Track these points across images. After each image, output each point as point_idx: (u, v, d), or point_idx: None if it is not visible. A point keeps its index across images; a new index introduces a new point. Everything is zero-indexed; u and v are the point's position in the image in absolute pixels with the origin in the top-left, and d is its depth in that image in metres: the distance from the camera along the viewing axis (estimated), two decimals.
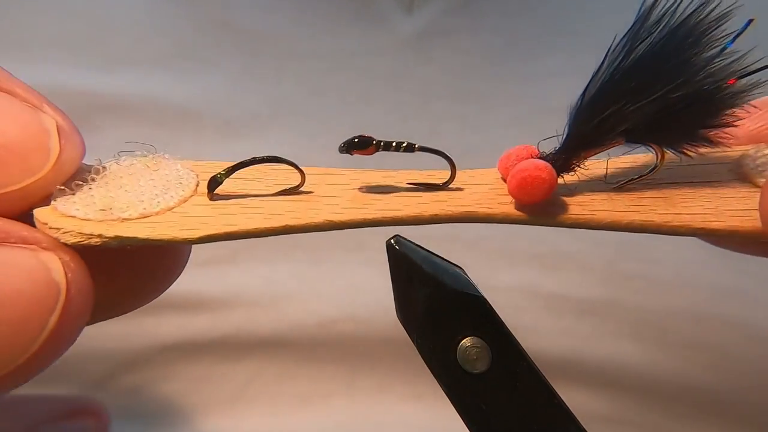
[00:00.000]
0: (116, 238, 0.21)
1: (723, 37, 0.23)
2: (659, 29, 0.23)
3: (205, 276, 0.50)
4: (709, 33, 0.23)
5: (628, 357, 0.49)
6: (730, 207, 0.24)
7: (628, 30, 0.23)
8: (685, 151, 0.25)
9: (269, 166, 0.26)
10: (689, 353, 0.49)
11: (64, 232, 0.21)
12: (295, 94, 0.56)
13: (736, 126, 0.24)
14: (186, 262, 0.27)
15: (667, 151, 0.25)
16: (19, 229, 0.20)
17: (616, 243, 0.51)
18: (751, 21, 0.22)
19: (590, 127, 0.24)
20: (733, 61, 0.23)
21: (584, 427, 0.26)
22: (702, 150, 0.25)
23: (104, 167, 0.24)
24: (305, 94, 0.56)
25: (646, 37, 0.23)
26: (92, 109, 0.53)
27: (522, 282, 0.50)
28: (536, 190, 0.24)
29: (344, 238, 0.51)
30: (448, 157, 0.25)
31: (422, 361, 0.40)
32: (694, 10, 0.23)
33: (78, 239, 0.21)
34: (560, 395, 0.25)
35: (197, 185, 0.24)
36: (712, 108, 0.24)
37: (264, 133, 0.54)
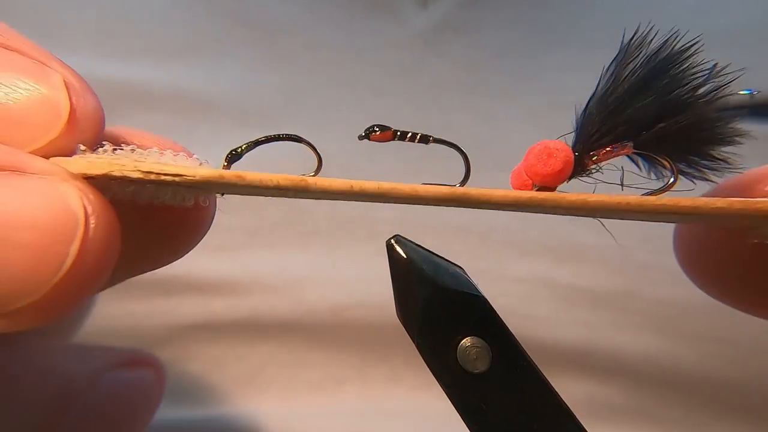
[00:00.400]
0: (122, 167, 0.21)
1: (696, 62, 0.24)
2: (641, 55, 0.24)
3: (221, 260, 0.50)
4: (683, 59, 0.24)
5: (645, 348, 0.48)
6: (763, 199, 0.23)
7: (615, 56, 0.25)
8: (696, 168, 0.25)
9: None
10: (707, 345, 0.48)
11: (68, 164, 0.20)
12: (309, 85, 0.57)
13: (735, 144, 0.24)
14: (212, 218, 0.27)
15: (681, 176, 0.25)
16: (39, 162, 0.20)
17: (631, 233, 0.50)
18: (715, 65, 0.24)
19: (594, 129, 0.25)
20: (709, 82, 0.24)
21: (585, 427, 0.26)
22: (712, 174, 0.25)
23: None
24: (319, 86, 0.57)
25: (630, 62, 0.24)
26: (114, 98, 0.54)
27: (536, 273, 0.50)
28: (553, 158, 0.23)
29: (357, 228, 0.52)
30: (462, 150, 0.25)
31: None
32: (665, 42, 0.24)
33: (85, 169, 0.20)
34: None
35: None
36: (703, 120, 0.24)
37: (278, 123, 0.55)
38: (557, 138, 0.25)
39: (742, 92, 0.24)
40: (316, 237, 0.52)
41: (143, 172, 0.21)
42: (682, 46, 0.24)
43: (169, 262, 0.27)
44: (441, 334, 0.26)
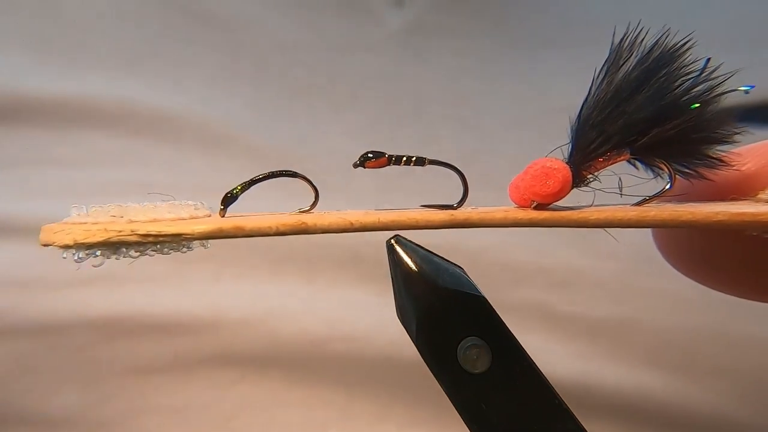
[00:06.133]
0: (119, 233, 0.21)
1: (689, 60, 0.24)
2: (632, 56, 0.24)
3: (185, 295, 0.44)
4: (676, 58, 0.24)
5: (647, 383, 0.43)
6: (763, 209, 0.23)
7: (606, 59, 0.25)
8: (694, 170, 0.25)
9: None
10: (715, 379, 0.43)
11: (67, 234, 0.20)
12: (278, 95, 0.51)
13: (732, 142, 0.24)
14: None
15: (679, 177, 0.25)
16: None
17: (629, 257, 0.45)
18: (709, 60, 0.24)
19: (590, 139, 0.24)
20: (701, 83, 0.24)
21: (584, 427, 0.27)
22: (709, 173, 0.25)
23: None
24: (289, 95, 0.51)
25: (623, 64, 0.24)
26: (58, 115, 0.48)
27: (529, 299, 0.45)
28: (551, 179, 0.23)
29: (338, 251, 0.46)
30: (460, 171, 0.24)
31: (422, 382, 0.40)
32: (657, 41, 0.24)
33: (83, 237, 0.20)
34: None
35: (210, 215, 0.24)
36: (699, 121, 0.24)
37: (246, 140, 0.49)
38: (553, 150, 0.25)
39: (741, 88, 0.24)
40: (292, 264, 0.46)
41: (141, 235, 0.21)
42: (673, 46, 0.24)
43: None
44: (441, 335, 0.26)
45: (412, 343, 0.27)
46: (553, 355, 0.44)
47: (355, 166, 0.24)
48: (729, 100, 0.24)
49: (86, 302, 0.43)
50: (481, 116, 0.52)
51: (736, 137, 0.24)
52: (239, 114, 0.50)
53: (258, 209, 0.25)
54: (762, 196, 0.25)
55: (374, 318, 0.45)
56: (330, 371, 0.44)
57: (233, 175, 0.42)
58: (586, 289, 0.45)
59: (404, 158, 0.24)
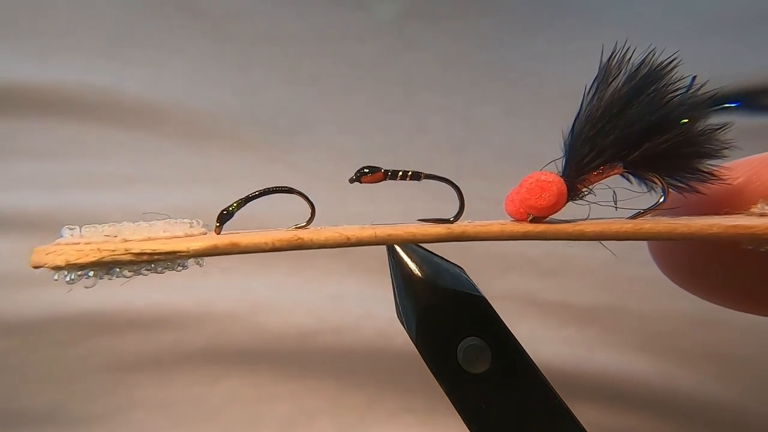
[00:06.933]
0: (113, 253, 0.20)
1: (676, 77, 0.24)
2: (621, 73, 0.25)
3: (168, 289, 0.43)
4: (663, 75, 0.24)
5: (635, 368, 0.43)
6: (757, 222, 0.23)
7: (596, 77, 0.25)
8: (686, 183, 0.25)
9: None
10: (701, 363, 0.43)
11: (59, 255, 0.20)
12: (267, 83, 0.50)
13: (722, 156, 0.24)
14: None
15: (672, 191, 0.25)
16: None
17: (615, 245, 0.48)
18: (695, 77, 0.24)
19: (583, 153, 0.24)
20: (688, 98, 0.24)
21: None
22: (702, 187, 0.25)
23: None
24: (279, 84, 0.50)
25: (612, 81, 0.24)
26: (36, 105, 0.46)
27: (518, 288, 0.46)
28: (546, 192, 0.23)
29: None
30: (456, 185, 0.24)
31: (412, 371, 0.40)
32: (644, 58, 0.24)
33: (75, 257, 0.20)
34: None
35: (205, 232, 0.24)
36: (689, 136, 0.24)
37: (234, 129, 0.48)
38: (547, 164, 0.25)
39: (728, 105, 0.24)
40: (279, 256, 0.43)
41: (135, 254, 0.20)
42: (660, 64, 0.24)
43: None
44: (441, 335, 0.26)
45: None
46: (542, 342, 0.44)
47: (351, 181, 0.24)
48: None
49: (67, 298, 0.43)
50: (472, 104, 0.51)
51: (726, 152, 0.24)
52: (227, 103, 0.50)
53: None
54: (755, 210, 0.25)
55: (363, 309, 0.45)
56: (318, 363, 0.44)
57: (219, 166, 0.41)
58: (574, 277, 0.46)
59: (400, 173, 0.24)
